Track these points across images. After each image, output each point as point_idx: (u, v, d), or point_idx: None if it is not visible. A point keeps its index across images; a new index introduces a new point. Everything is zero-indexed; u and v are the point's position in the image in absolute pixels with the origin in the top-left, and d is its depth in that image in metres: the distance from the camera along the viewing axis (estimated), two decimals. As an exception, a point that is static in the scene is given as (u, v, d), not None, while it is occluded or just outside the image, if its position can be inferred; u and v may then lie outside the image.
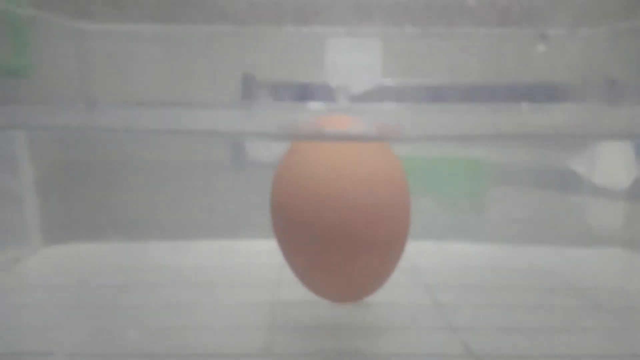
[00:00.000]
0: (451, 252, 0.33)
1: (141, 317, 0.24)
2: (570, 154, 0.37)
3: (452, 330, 0.22)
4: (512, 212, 0.36)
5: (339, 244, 0.20)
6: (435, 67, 0.38)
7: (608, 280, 0.28)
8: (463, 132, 0.21)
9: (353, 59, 0.36)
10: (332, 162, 0.21)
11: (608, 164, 0.36)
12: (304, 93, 0.36)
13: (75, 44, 0.37)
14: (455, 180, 0.37)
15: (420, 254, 0.32)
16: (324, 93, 0.35)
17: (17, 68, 0.33)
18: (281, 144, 0.25)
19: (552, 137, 0.25)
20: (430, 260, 0.31)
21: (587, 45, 0.37)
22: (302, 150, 0.22)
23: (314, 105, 0.32)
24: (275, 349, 0.21)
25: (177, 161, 0.38)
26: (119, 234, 0.34)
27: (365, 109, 0.31)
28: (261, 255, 0.28)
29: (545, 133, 0.22)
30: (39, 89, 0.34)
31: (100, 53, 0.37)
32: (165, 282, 0.28)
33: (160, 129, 0.24)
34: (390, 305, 0.25)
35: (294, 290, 0.23)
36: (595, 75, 0.36)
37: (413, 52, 0.38)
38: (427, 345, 0.21)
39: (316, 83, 0.37)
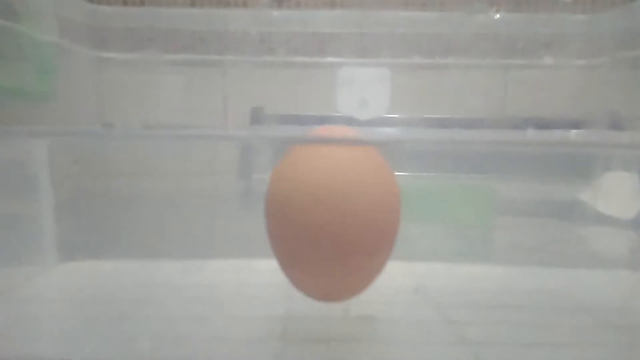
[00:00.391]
0: (459, 273, 0.33)
1: (155, 328, 0.24)
2: (577, 185, 0.37)
3: (464, 345, 0.22)
4: (518, 238, 0.36)
5: (328, 243, 0.21)
6: (442, 98, 0.39)
7: (614, 300, 0.29)
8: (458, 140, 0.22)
9: (363, 88, 0.38)
10: (326, 166, 0.21)
11: (614, 194, 0.36)
12: (310, 125, 0.38)
13: (94, 72, 0.39)
14: (464, 207, 0.37)
15: (430, 275, 0.32)
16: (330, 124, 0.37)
17: (41, 93, 0.34)
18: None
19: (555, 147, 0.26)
20: (439, 281, 0.31)
21: (590, 76, 0.38)
22: (298, 154, 0.22)
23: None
24: (286, 359, 0.21)
25: (189, 190, 0.39)
26: (132, 253, 0.35)
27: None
28: (271, 273, 0.28)
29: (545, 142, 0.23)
30: (61, 113, 0.35)
31: (118, 80, 0.38)
32: (178, 297, 0.28)
33: (169, 134, 0.25)
34: (402, 321, 0.25)
35: (305, 304, 0.24)
36: (598, 106, 0.38)
37: (420, 82, 0.39)
38: (440, 358, 0.22)
39: (323, 115, 0.38)
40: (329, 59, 0.39)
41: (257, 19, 0.39)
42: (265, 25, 0.39)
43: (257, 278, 0.31)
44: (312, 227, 0.20)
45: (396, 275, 0.32)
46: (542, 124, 0.36)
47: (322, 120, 0.38)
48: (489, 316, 0.26)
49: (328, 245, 0.21)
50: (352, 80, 0.38)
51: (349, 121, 0.36)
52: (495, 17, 0.38)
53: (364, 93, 0.38)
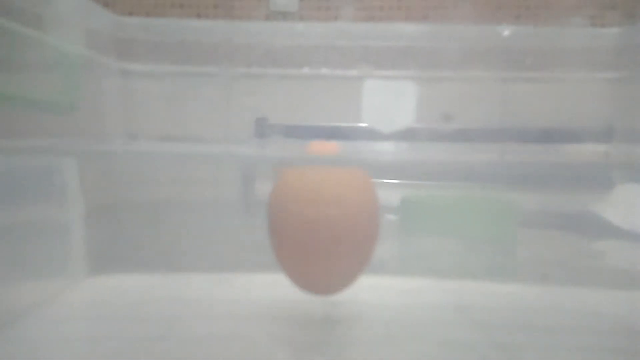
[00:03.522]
0: (493, 291, 0.32)
1: (189, 349, 0.24)
2: (591, 197, 0.36)
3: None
4: (539, 252, 0.35)
5: (319, 248, 0.24)
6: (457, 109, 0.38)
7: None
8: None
9: (387, 101, 0.37)
10: (316, 185, 0.24)
11: (629, 206, 0.35)
12: (315, 135, 0.37)
13: (119, 83, 0.38)
14: (486, 222, 0.36)
15: (464, 293, 0.31)
16: (338, 134, 0.36)
17: (67, 104, 0.33)
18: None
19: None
20: (476, 300, 0.30)
21: (586, 90, 0.37)
22: (292, 176, 0.25)
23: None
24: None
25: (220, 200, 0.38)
26: (162, 265, 0.34)
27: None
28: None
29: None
30: (87, 123, 0.35)
31: (142, 91, 0.38)
32: (210, 314, 0.28)
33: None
34: (452, 344, 0.25)
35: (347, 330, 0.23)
36: (593, 119, 0.37)
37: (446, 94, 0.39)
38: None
39: (328, 125, 0.37)
40: (334, 71, 0.38)
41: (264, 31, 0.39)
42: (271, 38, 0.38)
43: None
44: (306, 235, 0.24)
45: (430, 292, 0.32)
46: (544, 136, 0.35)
47: (326, 131, 0.37)
48: (538, 339, 0.25)
49: (319, 244, 0.24)
50: (376, 92, 0.38)
51: (356, 132, 0.36)
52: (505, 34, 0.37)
53: (389, 104, 0.38)
